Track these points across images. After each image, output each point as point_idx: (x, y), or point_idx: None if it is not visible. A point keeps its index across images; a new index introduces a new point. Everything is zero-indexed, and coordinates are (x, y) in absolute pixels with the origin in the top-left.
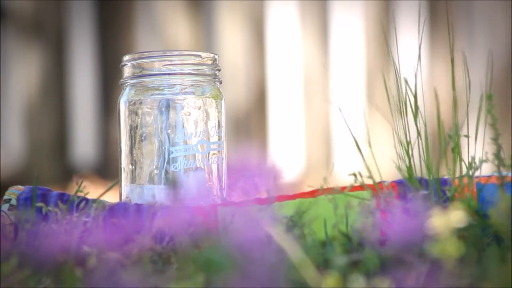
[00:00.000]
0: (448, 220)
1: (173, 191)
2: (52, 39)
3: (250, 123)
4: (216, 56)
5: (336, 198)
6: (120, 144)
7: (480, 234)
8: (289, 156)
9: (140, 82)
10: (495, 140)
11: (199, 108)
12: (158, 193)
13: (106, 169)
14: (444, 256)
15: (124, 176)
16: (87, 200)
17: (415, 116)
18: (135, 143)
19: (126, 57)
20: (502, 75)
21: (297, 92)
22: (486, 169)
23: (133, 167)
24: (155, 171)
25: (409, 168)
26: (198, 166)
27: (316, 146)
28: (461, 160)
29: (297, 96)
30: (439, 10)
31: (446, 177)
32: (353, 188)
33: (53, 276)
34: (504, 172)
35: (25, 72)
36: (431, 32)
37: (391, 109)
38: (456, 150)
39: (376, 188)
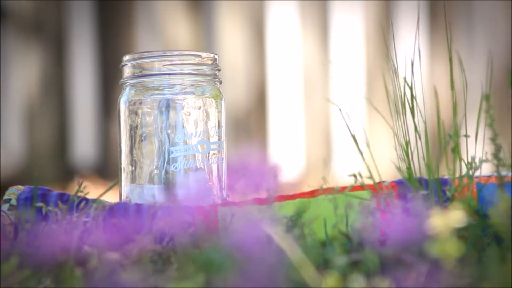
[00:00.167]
0: (448, 220)
1: (169, 192)
2: (52, 39)
3: (250, 123)
4: (216, 56)
5: (336, 198)
6: (120, 144)
7: (480, 234)
8: (289, 156)
9: (140, 82)
10: (493, 140)
11: (199, 108)
12: (158, 193)
13: (106, 169)
14: (444, 256)
15: (124, 176)
16: (87, 200)
17: (413, 115)
18: (135, 143)
19: (126, 57)
20: (502, 75)
21: (297, 92)
22: (486, 169)
23: (133, 167)
24: (155, 171)
25: (409, 168)
26: (198, 166)
27: (316, 146)
28: (461, 160)
29: (297, 96)
30: (439, 10)
31: (446, 177)
32: (353, 188)
33: (53, 276)
34: (504, 172)
35: (25, 72)
36: (431, 32)
37: (390, 109)
38: (456, 150)
39: (376, 188)
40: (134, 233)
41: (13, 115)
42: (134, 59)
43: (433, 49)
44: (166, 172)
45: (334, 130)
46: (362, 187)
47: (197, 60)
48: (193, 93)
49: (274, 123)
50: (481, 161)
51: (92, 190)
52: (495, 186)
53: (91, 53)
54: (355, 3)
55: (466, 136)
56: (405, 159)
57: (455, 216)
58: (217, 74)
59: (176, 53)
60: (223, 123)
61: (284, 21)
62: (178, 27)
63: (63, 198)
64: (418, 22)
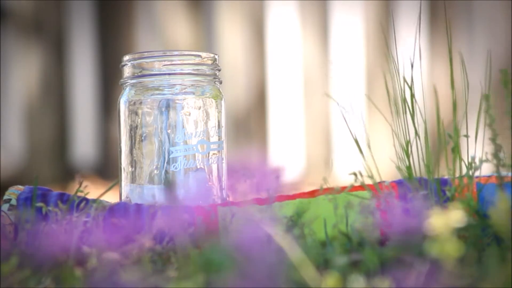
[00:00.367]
0: (448, 220)
1: (169, 192)
2: (52, 39)
3: (250, 123)
4: (216, 56)
5: (336, 198)
6: (120, 144)
7: (480, 234)
8: (289, 156)
9: (140, 82)
10: (493, 140)
11: (199, 108)
12: (158, 193)
13: (106, 169)
14: (444, 256)
15: (124, 176)
16: (87, 200)
17: (412, 115)
18: (135, 143)
19: (126, 57)
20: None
21: (297, 91)
22: (486, 169)
23: (133, 167)
24: (155, 171)
25: (409, 168)
26: (198, 166)
27: (316, 146)
28: (461, 160)
29: (297, 96)
30: (439, 10)
31: (446, 177)
32: (353, 188)
33: (53, 276)
34: (504, 172)
35: (25, 72)
36: (431, 32)
37: (391, 109)
38: (456, 150)
39: (376, 188)
40: (134, 233)
41: (13, 115)
42: (134, 59)
43: (433, 49)
44: (166, 172)
45: (334, 130)
46: (362, 187)
47: (197, 60)
48: (193, 93)
49: (274, 123)
50: (481, 161)
51: (92, 190)
52: (495, 186)
53: (91, 53)
54: (355, 3)
55: (467, 136)
56: (405, 159)
57: (455, 216)
58: (217, 74)
59: (176, 53)
60: (223, 123)
61: (284, 21)
62: (178, 27)
63: (63, 198)
64: (419, 21)
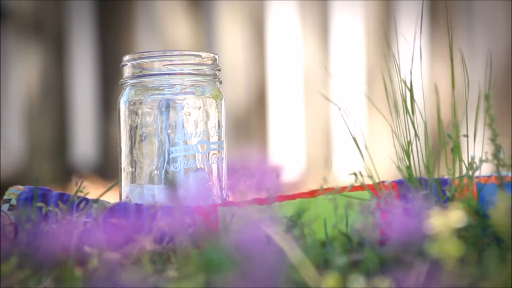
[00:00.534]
0: (448, 220)
1: (172, 192)
2: (52, 39)
3: (250, 123)
4: (216, 56)
5: (336, 198)
6: (120, 144)
7: (480, 234)
8: (289, 156)
9: (140, 82)
10: (493, 140)
11: (199, 108)
12: (158, 193)
13: (106, 169)
14: (444, 256)
15: (124, 176)
16: (87, 200)
17: (411, 114)
18: (135, 143)
19: (126, 57)
20: (502, 75)
21: (297, 92)
22: (486, 169)
23: (133, 167)
24: (155, 171)
25: (409, 168)
26: (198, 166)
27: (316, 146)
28: (460, 160)
29: (297, 96)
30: (439, 10)
31: (446, 177)
32: (353, 188)
33: (53, 276)
34: (504, 172)
35: (25, 72)
36: (432, 32)
37: (390, 109)
38: (456, 150)
39: (376, 188)
40: (134, 233)
41: (13, 115)
42: (134, 59)
43: (433, 48)
44: (166, 172)
45: (334, 130)
46: (362, 187)
47: (197, 60)
48: (193, 93)
49: (274, 123)
50: (481, 161)
51: (92, 190)
52: (495, 186)
53: (91, 53)
54: (355, 3)
55: (467, 136)
56: (405, 159)
57: (455, 216)
58: (217, 74)
59: (176, 53)
60: (223, 123)
61: (284, 21)
62: (178, 27)
63: (63, 198)
64: (420, 21)
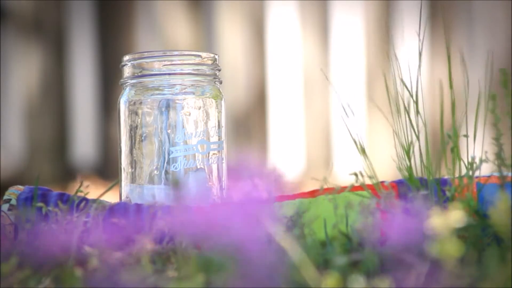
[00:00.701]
0: (448, 220)
1: (175, 191)
2: (52, 39)
3: (250, 123)
4: (216, 56)
5: (336, 198)
6: (120, 144)
7: (480, 234)
8: (289, 156)
9: (140, 82)
10: (497, 140)
11: (199, 108)
12: (158, 193)
13: (106, 169)
14: (444, 256)
15: (124, 176)
16: (87, 200)
17: (410, 115)
18: (135, 143)
19: (126, 57)
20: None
21: (297, 92)
22: (486, 169)
23: (133, 167)
24: (155, 171)
25: (409, 168)
26: (198, 166)
27: (316, 146)
28: (460, 160)
29: (297, 96)
30: (439, 10)
31: (446, 177)
32: (353, 188)
33: (53, 276)
34: (504, 172)
35: (25, 71)
36: (432, 32)
37: (391, 109)
38: (456, 150)
39: (376, 188)
40: (134, 233)
41: (13, 115)
42: (134, 59)
43: (433, 48)
44: (166, 172)
45: (334, 130)
46: (362, 187)
47: (197, 60)
48: (193, 93)
49: (274, 123)
50: (481, 161)
51: (92, 190)
52: (495, 186)
53: (91, 53)
54: (355, 3)
55: (467, 136)
56: (406, 159)
57: (455, 216)
58: (217, 74)
59: (176, 53)
60: (223, 123)
61: (284, 21)
62: (178, 27)
63: (63, 198)
64: (421, 21)
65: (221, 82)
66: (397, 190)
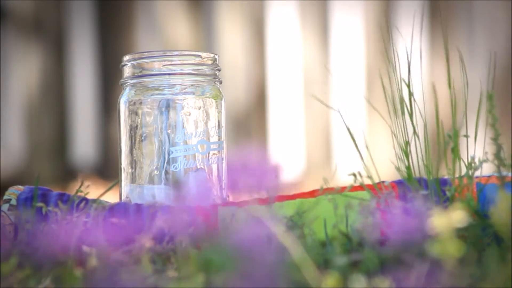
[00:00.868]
0: (448, 220)
1: (175, 191)
2: (52, 39)
3: (250, 123)
4: (216, 56)
5: (336, 198)
6: (120, 144)
7: (480, 234)
8: (289, 156)
9: (140, 82)
10: (495, 140)
11: (199, 108)
12: (158, 193)
13: (106, 169)
14: (444, 256)
15: (124, 176)
16: (87, 200)
17: (411, 115)
18: (135, 143)
19: (126, 57)
20: (502, 75)
21: (297, 92)
22: (486, 169)
23: (133, 167)
24: (155, 171)
25: (409, 168)
26: (198, 166)
27: (316, 146)
28: (460, 160)
29: (297, 96)
30: (439, 10)
31: (446, 177)
32: (353, 188)
33: (53, 276)
34: (504, 172)
35: (25, 71)
36: (432, 32)
37: (390, 109)
38: (456, 150)
39: (376, 188)
40: (134, 233)
41: (13, 115)
42: (134, 59)
43: (433, 49)
44: (166, 172)
45: (334, 130)
46: (362, 187)
47: (197, 60)
48: (193, 93)
49: (274, 123)
50: (481, 161)
51: (92, 190)
52: (495, 186)
53: (91, 53)
54: (355, 3)
55: (467, 136)
56: (405, 159)
57: (455, 216)
58: (217, 74)
59: (176, 53)
60: (223, 123)
61: (284, 21)
62: (178, 27)
63: (63, 198)
64: (421, 21)
65: (221, 82)
66: (397, 190)
